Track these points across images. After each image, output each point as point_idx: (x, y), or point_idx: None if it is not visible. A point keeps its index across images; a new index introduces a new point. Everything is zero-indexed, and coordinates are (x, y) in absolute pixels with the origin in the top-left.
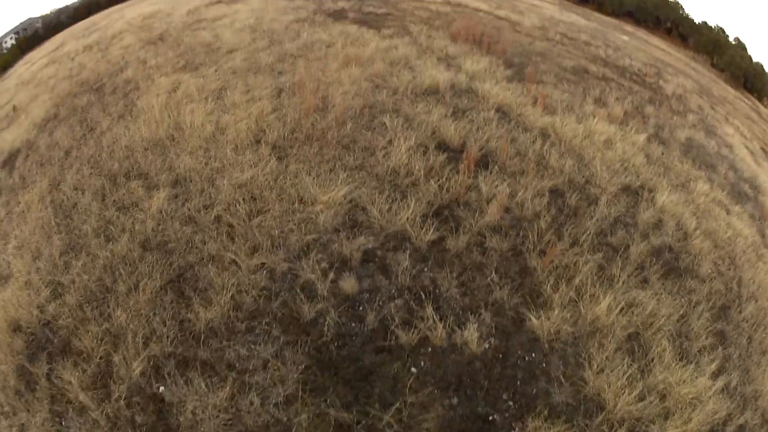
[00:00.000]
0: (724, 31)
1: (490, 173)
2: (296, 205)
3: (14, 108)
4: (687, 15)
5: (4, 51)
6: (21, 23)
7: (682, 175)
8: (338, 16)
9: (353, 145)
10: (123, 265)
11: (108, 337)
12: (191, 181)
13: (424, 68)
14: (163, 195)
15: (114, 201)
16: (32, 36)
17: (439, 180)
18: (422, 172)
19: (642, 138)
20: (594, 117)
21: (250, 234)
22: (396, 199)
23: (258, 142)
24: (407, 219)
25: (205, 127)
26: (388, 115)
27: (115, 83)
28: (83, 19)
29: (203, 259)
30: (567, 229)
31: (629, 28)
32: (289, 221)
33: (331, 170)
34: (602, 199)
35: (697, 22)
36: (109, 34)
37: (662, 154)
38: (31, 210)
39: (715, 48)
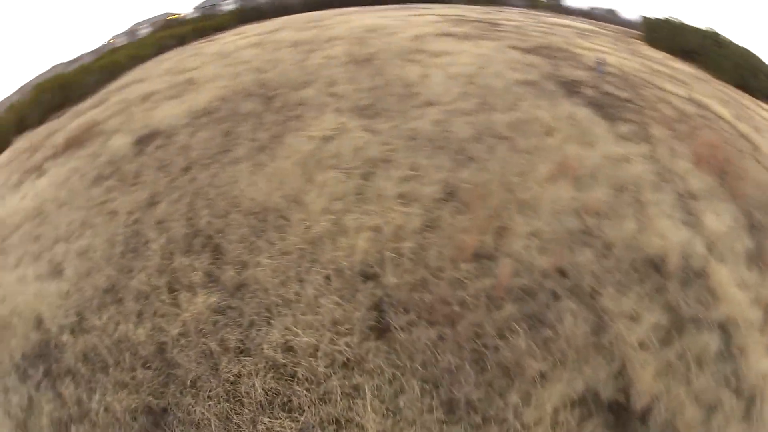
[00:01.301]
0: None
1: None
2: None
3: (190, 81)
4: None
5: (221, 12)
6: None
7: None
8: (572, 88)
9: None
10: None
11: None
12: (246, 302)
13: (655, 214)
14: (197, 309)
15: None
16: (252, 9)
17: None
18: None
19: None
20: None
21: None
22: None
23: (363, 279)
24: None
25: (320, 221)
26: (568, 310)
27: (288, 100)
28: (313, 9)
29: None
30: None
31: None
32: None
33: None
34: None
35: None
36: (325, 35)
37: None
38: (112, 222)
39: None
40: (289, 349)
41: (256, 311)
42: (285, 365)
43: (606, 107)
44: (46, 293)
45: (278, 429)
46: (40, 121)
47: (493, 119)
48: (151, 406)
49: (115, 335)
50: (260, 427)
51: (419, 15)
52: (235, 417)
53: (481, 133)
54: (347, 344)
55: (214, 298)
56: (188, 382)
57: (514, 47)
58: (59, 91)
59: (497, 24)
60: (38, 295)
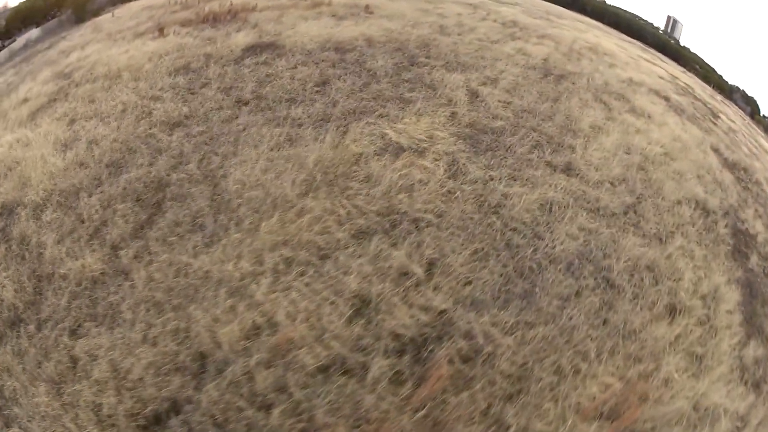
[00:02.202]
0: None
1: None
2: None
3: (367, 8)
4: None
5: None
6: None
7: None
8: (741, 248)
9: None
10: None
11: None
12: None
13: None
14: None
15: None
16: None
17: None
18: None
19: None
20: None
21: None
22: None
23: None
24: None
25: None
26: None
27: (419, 77)
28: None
29: None
30: None
31: None
32: None
33: None
34: None
35: None
36: (542, 31)
37: None
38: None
39: None
40: None
41: None
42: None
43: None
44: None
45: None
46: None
47: (626, 244)
48: None
49: None
50: None
51: (651, 62)
52: None
53: (585, 256)
54: None
55: None
56: None
57: (716, 150)
58: None
59: (717, 116)
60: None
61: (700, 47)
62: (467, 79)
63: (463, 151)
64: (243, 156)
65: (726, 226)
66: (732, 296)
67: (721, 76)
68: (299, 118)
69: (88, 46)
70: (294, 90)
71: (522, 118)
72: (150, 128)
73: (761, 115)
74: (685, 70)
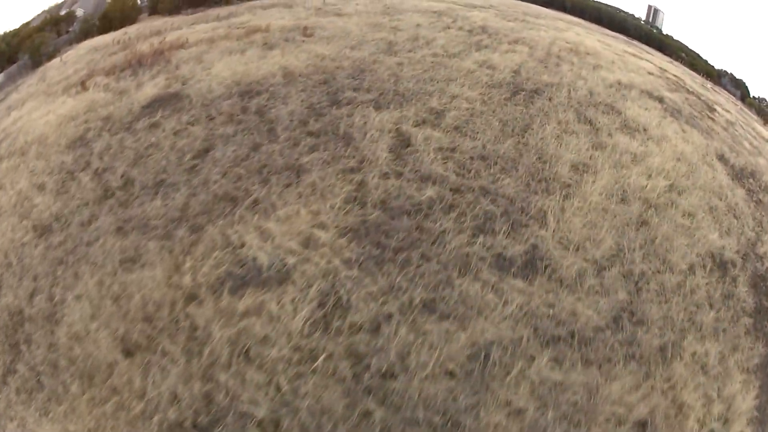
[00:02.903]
0: None
1: None
2: None
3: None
4: None
5: None
6: None
7: None
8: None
9: None
10: None
11: None
12: None
13: None
14: None
15: None
16: None
17: None
18: None
19: None
20: None
21: None
22: None
23: None
24: None
25: None
26: None
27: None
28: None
29: None
30: None
31: None
32: None
33: None
34: None
35: None
36: (514, 36)
37: None
38: None
39: None
40: None
41: None
42: None
43: None
44: None
45: None
46: None
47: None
48: None
49: None
50: None
51: (638, 56)
52: None
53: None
54: None
55: None
56: None
57: (722, 159)
58: None
59: (713, 109)
60: None
61: (682, 32)
62: (400, 118)
63: (352, 265)
64: (80, 288)
65: (746, 280)
66: (747, 404)
67: (707, 62)
68: (153, 220)
69: (27, 102)
70: (168, 167)
71: (469, 175)
72: (24, 236)
73: (752, 97)
74: (671, 60)
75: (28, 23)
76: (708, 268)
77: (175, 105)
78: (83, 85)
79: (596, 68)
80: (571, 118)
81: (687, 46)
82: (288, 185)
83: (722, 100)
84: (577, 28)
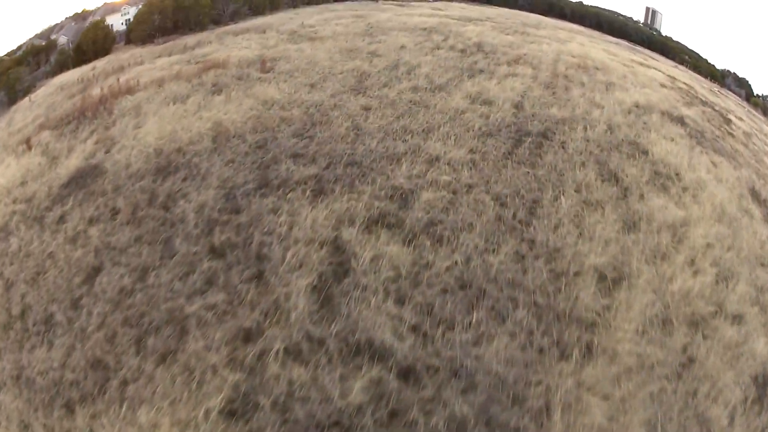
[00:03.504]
0: None
1: None
2: None
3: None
4: None
5: None
6: None
7: None
8: None
9: None
10: None
11: None
12: None
13: None
14: None
15: None
16: None
17: None
18: None
19: None
20: None
21: None
22: None
23: None
24: None
25: None
26: None
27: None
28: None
29: None
30: None
31: None
32: None
33: None
34: None
35: None
36: (515, 52)
37: None
38: None
39: None
40: None
41: None
42: None
43: None
44: None
45: None
46: None
47: None
48: None
49: None
50: None
51: (645, 64)
52: None
53: None
54: None
55: None
56: None
57: (754, 193)
58: None
59: (728, 120)
60: None
61: (681, 32)
62: (345, 213)
63: None
64: None
65: None
66: None
67: (709, 62)
68: (39, 377)
69: None
70: (57, 293)
71: (435, 342)
72: None
73: (756, 96)
74: (676, 64)
75: (13, 52)
76: (750, 400)
77: (89, 187)
78: (28, 143)
79: (609, 88)
80: (592, 177)
81: (687, 47)
82: (163, 358)
83: (732, 105)
84: (580, 37)
